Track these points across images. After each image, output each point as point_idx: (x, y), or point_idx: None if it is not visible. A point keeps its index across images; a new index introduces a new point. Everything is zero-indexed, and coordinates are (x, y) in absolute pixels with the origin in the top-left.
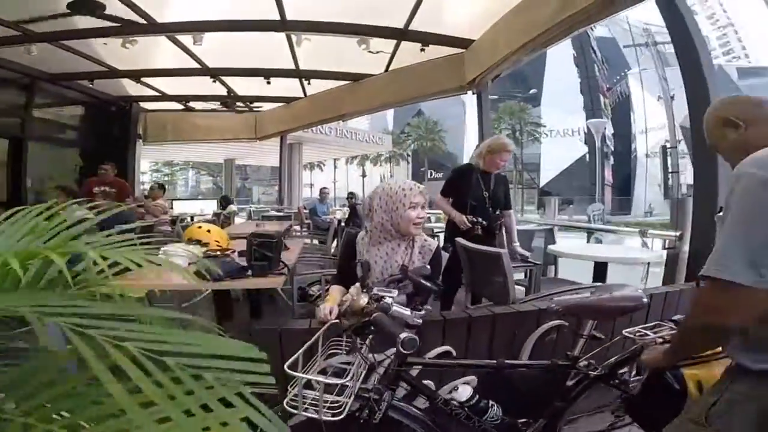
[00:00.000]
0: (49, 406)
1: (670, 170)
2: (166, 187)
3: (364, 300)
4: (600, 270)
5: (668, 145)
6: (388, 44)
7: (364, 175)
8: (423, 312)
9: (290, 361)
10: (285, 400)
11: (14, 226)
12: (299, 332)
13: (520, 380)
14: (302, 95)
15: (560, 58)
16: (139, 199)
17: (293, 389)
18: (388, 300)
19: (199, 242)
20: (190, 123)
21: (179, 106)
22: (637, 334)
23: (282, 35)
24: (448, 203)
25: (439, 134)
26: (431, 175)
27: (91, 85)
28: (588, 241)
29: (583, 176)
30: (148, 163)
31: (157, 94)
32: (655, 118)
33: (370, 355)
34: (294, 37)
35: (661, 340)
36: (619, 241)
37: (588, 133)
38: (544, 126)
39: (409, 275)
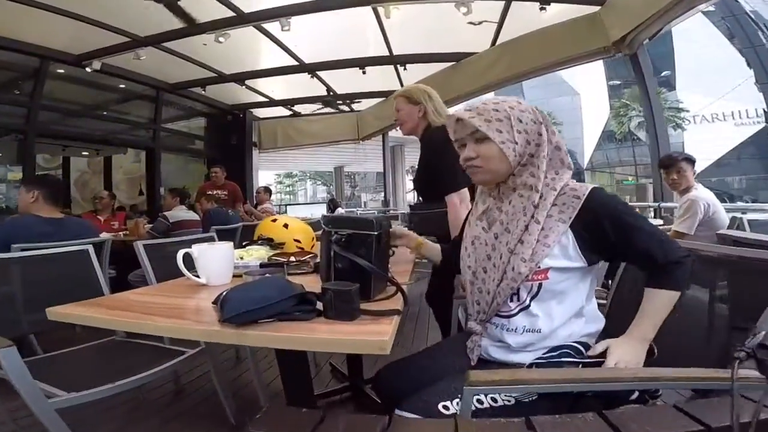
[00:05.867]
0: None
1: None
2: (289, 197)
3: None
4: None
5: None
6: (494, 11)
7: None
8: None
9: None
10: None
11: None
12: None
13: None
14: (398, 86)
15: (690, 36)
16: (248, 210)
17: None
18: None
19: (271, 241)
20: (297, 128)
21: (287, 112)
22: None
23: (371, 17)
24: None
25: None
26: None
27: (203, 92)
28: None
29: (754, 163)
30: (272, 174)
31: (265, 99)
32: None
33: None
34: (381, 9)
35: None
36: None
37: None
38: (687, 111)
39: None
